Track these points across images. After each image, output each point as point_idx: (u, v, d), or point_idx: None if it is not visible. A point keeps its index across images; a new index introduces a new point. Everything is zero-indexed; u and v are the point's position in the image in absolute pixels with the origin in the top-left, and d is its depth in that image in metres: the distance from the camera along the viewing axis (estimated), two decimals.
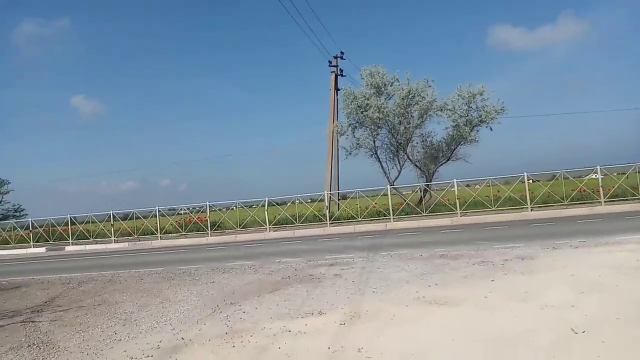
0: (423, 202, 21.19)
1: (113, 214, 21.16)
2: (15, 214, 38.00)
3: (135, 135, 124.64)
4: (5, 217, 36.20)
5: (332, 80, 28.85)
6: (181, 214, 21.23)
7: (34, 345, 5.95)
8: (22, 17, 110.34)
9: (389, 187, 19.48)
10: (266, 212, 19.38)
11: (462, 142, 22.53)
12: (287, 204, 20.75)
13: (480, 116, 21.95)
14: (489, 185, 19.61)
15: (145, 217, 21.30)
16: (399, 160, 23.44)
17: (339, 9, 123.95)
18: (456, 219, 17.76)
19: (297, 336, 5.22)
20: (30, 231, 23.07)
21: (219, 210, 21.66)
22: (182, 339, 5.62)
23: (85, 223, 22.53)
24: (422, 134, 23.87)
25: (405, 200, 20.55)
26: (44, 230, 23.06)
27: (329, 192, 26.25)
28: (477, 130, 22.18)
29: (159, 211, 20.30)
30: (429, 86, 22.48)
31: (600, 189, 17.53)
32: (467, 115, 22.14)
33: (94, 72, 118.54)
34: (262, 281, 8.88)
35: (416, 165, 23.74)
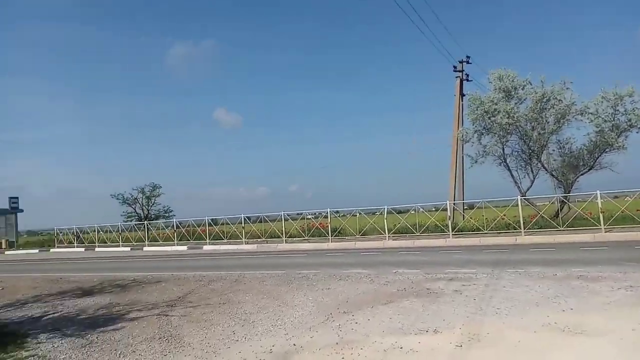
0: (560, 216, 19.23)
1: (244, 217, 22.73)
2: (165, 214, 42.26)
3: (267, 144, 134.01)
4: (157, 217, 40.42)
5: (456, 85, 27.81)
6: (305, 219, 21.99)
7: (164, 338, 6.51)
8: (174, 40, 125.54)
9: (519, 197, 17.99)
10: (385, 221, 19.18)
11: (607, 150, 20.02)
12: (408, 212, 20.33)
13: (629, 120, 19.36)
14: None
15: (272, 221, 22.50)
16: (531, 168, 21.57)
17: (463, 11, 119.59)
18: (599, 235, 15.78)
19: (409, 355, 4.99)
20: (175, 230, 25.76)
21: (342, 216, 21.98)
22: (294, 345, 5.72)
23: (221, 225, 24.48)
24: (558, 141, 21.71)
25: (539, 213, 18.80)
26: (186, 230, 25.62)
27: (453, 201, 25.21)
28: (626, 136, 19.59)
29: (284, 216, 21.29)
30: (567, 88, 20.42)
31: None
32: (613, 120, 19.64)
33: (233, 86, 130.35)
34: (377, 291, 8.73)
35: (552, 175, 21.62)
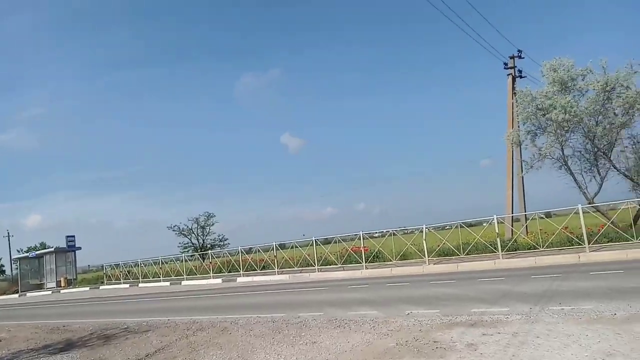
0: (637, 224, 16.04)
1: (276, 245, 21.23)
2: (219, 243, 41.85)
3: (332, 163, 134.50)
4: (212, 247, 40.10)
5: (508, 83, 25.23)
6: (337, 243, 19.99)
7: None
8: (241, 72, 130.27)
9: (580, 206, 15.01)
10: (424, 242, 16.83)
11: None
12: (451, 229, 17.84)
13: None
14: None
15: (304, 247, 20.79)
16: (598, 170, 18.41)
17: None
18: None
19: None
20: (211, 262, 24.83)
21: (383, 236, 19.83)
22: None
23: (254, 253, 23.17)
24: (631, 135, 18.55)
25: (608, 222, 15.71)
26: (221, 261, 24.62)
27: (511, 214, 22.42)
28: None
29: (315, 241, 19.53)
30: (635, 72, 17.32)
31: None
32: None
33: (295, 112, 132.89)
34: (369, 346, 6.81)
35: (626, 175, 18.35)
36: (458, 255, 16.62)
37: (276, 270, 20.87)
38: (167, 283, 25.14)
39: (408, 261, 17.90)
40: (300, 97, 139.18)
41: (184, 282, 24.12)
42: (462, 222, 17.07)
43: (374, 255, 18.82)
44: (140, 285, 26.54)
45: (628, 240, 14.31)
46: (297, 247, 21.25)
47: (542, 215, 17.23)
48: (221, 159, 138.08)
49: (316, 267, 19.52)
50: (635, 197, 17.40)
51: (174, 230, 40.11)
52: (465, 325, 7.32)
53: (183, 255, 28.07)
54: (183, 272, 25.58)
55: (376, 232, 20.93)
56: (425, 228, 16.95)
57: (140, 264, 28.78)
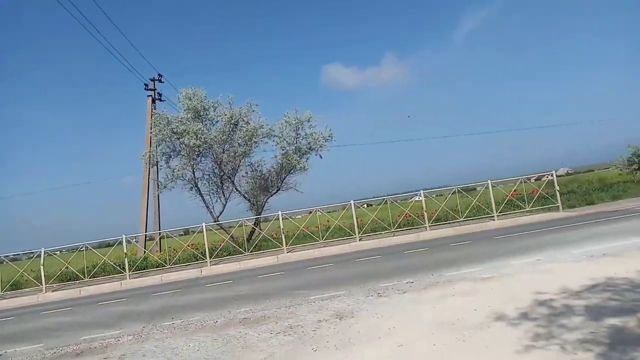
0: (252, 239, 18.72)
1: None
2: None
3: None
4: None
5: (148, 104, 25.39)
6: None
7: None
8: None
9: (204, 224, 16.44)
10: (42, 267, 14.77)
11: (292, 171, 20.77)
12: (76, 252, 16.32)
13: (309, 143, 20.53)
14: (321, 214, 18.07)
15: None
16: (224, 192, 20.70)
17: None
18: (282, 257, 15.52)
19: None
20: None
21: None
22: None
23: None
24: (251, 163, 21.61)
25: (226, 238, 17.77)
26: None
27: (145, 233, 22.43)
28: (307, 159, 20.68)
29: None
30: (253, 111, 20.41)
31: (425, 213, 16.98)
32: (296, 143, 20.57)
33: None
34: None
35: (245, 197, 21.22)
36: (82, 279, 15.32)
37: None
38: None
39: (21, 291, 15.30)
40: None
41: None
42: (91, 243, 15.87)
43: None
44: None
45: (242, 253, 16.52)
46: None
47: (181, 233, 17.94)
48: None
49: None
50: (252, 216, 20.24)
51: None
52: (70, 356, 6.64)
53: None
54: None
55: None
56: (44, 251, 14.94)
57: None
